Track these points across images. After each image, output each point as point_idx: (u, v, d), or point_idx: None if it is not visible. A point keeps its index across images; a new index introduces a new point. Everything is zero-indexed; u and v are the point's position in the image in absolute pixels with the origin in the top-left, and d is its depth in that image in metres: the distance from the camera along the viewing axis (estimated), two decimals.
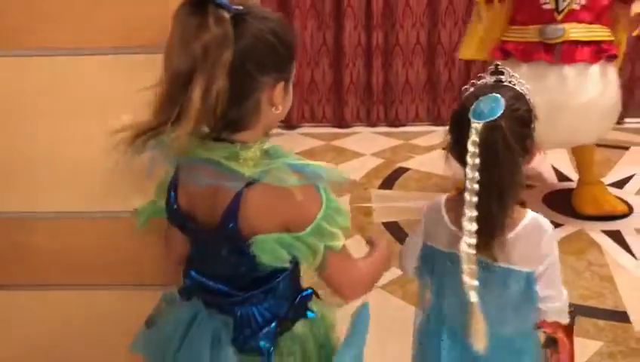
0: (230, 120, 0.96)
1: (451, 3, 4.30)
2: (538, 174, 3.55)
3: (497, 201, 1.11)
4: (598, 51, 2.67)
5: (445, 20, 4.35)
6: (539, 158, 1.24)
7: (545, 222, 1.20)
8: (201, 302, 1.10)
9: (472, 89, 1.19)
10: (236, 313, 1.07)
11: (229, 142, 0.98)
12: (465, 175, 1.11)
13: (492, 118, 1.09)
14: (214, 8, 0.90)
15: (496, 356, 1.17)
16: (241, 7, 0.94)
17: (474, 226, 1.09)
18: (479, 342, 1.10)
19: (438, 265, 1.26)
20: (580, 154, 3.07)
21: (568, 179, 3.40)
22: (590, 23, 2.67)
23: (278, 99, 1.00)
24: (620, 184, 3.36)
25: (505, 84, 1.17)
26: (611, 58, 2.70)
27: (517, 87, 1.17)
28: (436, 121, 4.48)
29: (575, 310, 1.30)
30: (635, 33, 2.62)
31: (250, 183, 0.97)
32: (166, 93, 0.92)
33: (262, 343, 1.06)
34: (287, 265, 1.00)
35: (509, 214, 1.13)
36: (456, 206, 1.18)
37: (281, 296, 1.09)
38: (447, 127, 1.20)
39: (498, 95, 1.12)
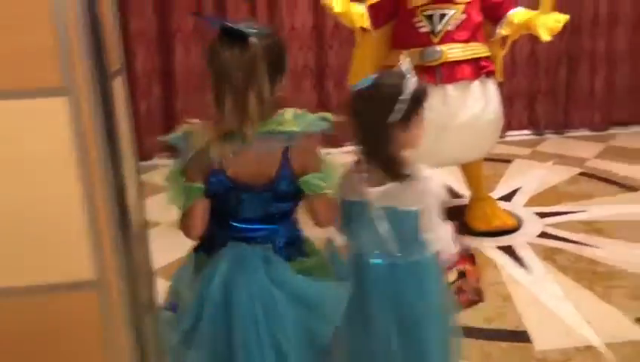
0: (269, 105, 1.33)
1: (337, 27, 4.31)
2: None
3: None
4: (477, 68, 2.75)
5: (332, 43, 4.34)
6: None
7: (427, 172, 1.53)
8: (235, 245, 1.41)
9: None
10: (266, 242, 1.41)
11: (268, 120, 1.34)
12: None
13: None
14: (249, 37, 1.29)
15: (407, 278, 1.52)
16: (253, 30, 1.31)
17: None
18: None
19: (354, 214, 1.53)
20: (468, 170, 3.13)
21: (461, 196, 3.46)
22: (466, 42, 2.73)
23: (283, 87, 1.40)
24: (508, 197, 3.47)
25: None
26: (490, 73, 2.78)
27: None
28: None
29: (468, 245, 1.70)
30: (502, 54, 2.71)
31: (292, 138, 1.35)
32: (232, 102, 1.29)
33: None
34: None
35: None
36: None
37: (292, 222, 1.47)
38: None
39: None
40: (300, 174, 1.36)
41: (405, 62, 1.49)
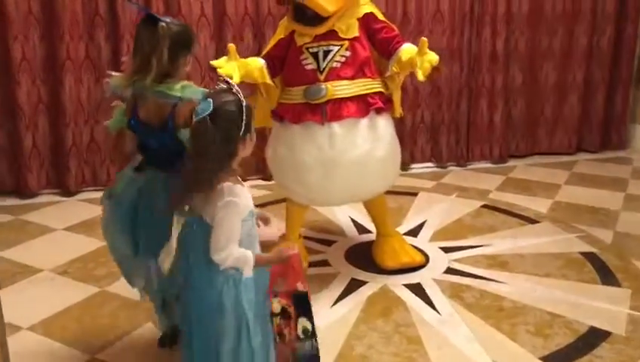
0: (167, 73, 2.00)
1: None
2: (338, 228, 3.51)
3: (197, 172, 1.67)
4: (365, 105, 2.67)
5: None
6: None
7: (230, 191, 1.64)
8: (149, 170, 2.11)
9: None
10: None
11: (165, 83, 2.00)
12: None
13: (202, 116, 1.61)
14: (160, 23, 1.94)
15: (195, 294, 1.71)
16: (168, 20, 1.99)
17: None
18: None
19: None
20: (370, 207, 3.06)
21: (368, 231, 3.39)
22: (352, 78, 2.66)
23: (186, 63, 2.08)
24: (415, 232, 3.44)
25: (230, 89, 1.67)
26: (380, 110, 2.71)
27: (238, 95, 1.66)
28: None
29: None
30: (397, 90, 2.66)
31: (179, 100, 1.97)
32: (140, 61, 1.96)
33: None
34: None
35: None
36: None
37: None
38: None
39: (211, 100, 1.63)
40: (180, 126, 1.95)
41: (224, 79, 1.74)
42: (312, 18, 2.61)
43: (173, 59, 1.98)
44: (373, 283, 2.84)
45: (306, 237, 3.30)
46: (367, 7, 2.77)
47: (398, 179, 4.28)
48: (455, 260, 3.08)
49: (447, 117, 4.63)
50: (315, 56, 2.66)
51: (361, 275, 2.92)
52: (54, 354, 2.33)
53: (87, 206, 3.86)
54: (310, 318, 1.72)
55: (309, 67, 2.66)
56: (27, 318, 2.54)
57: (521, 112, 4.85)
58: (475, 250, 3.21)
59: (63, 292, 2.79)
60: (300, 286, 1.71)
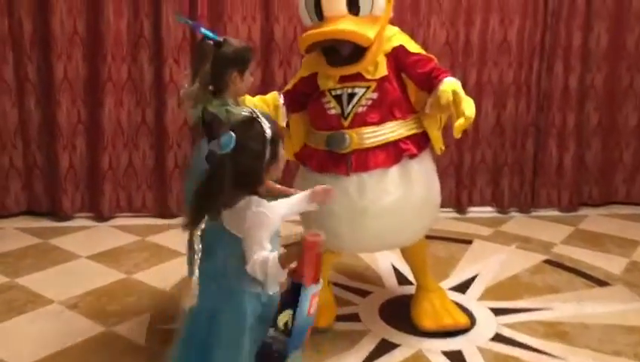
0: (219, 89, 2.09)
1: None
2: (376, 277, 3.16)
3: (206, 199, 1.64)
4: (396, 152, 2.35)
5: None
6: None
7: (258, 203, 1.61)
8: None
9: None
10: None
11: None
12: None
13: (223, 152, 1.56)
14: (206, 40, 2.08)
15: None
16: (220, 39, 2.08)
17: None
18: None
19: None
20: (408, 255, 2.71)
21: (410, 283, 3.02)
22: (380, 123, 2.34)
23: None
24: (462, 287, 3.04)
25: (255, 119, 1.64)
26: (413, 156, 2.38)
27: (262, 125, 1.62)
28: None
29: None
30: (456, 134, 2.21)
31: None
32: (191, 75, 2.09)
33: None
34: None
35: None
36: None
37: None
38: None
39: (232, 134, 1.56)
40: None
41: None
42: (350, 56, 2.31)
43: (217, 75, 2.03)
44: (407, 347, 2.47)
45: (338, 285, 2.98)
46: (396, 39, 2.43)
47: (453, 223, 3.99)
48: (506, 325, 2.67)
49: (511, 157, 4.20)
50: (338, 99, 2.38)
51: (395, 336, 2.56)
52: None
53: (117, 233, 3.69)
54: (295, 313, 1.55)
55: (332, 112, 2.39)
56: (21, 357, 2.34)
57: (595, 156, 4.35)
58: (530, 313, 2.78)
59: (66, 328, 2.58)
60: (304, 279, 1.55)
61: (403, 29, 3.81)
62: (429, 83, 2.33)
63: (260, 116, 1.64)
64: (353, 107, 2.35)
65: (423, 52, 2.47)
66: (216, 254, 1.73)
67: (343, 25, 2.25)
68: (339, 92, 2.38)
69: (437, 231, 3.55)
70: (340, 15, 2.28)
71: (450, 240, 3.67)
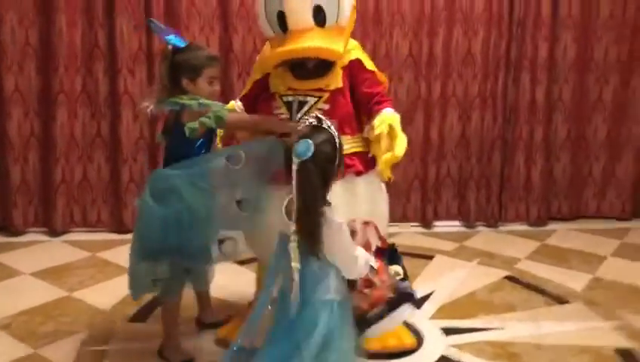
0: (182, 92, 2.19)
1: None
2: None
3: (307, 214, 1.66)
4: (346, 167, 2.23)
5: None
6: None
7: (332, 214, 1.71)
8: None
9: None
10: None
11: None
12: None
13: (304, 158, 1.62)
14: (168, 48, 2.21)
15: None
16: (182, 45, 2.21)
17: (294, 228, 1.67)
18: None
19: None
20: None
21: None
22: None
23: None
24: (416, 305, 2.93)
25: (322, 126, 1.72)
26: (359, 173, 2.29)
27: (329, 131, 1.72)
28: None
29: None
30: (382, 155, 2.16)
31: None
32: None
33: None
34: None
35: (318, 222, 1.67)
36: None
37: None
38: None
39: (309, 141, 1.63)
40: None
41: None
42: (316, 68, 2.24)
43: (171, 79, 2.18)
44: None
45: None
46: (354, 53, 2.37)
47: (417, 238, 3.89)
48: (454, 346, 2.56)
49: (477, 171, 4.12)
50: (288, 106, 2.29)
51: None
52: None
53: (68, 249, 3.58)
54: (401, 265, 2.05)
55: (282, 117, 2.30)
56: None
57: (564, 170, 4.27)
58: (482, 333, 2.67)
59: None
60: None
61: (365, 40, 3.83)
62: (368, 106, 2.27)
63: (326, 121, 1.75)
64: (302, 117, 2.26)
65: (377, 72, 2.40)
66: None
67: (312, 41, 2.16)
68: (290, 99, 2.30)
69: (399, 246, 3.44)
70: (306, 28, 2.19)
71: (412, 255, 3.55)
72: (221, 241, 2.27)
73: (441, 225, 4.17)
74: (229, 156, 2.16)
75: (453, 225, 4.19)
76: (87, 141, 3.80)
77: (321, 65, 2.24)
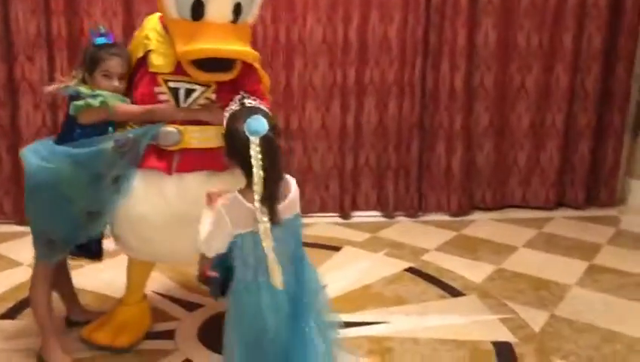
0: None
1: None
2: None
3: (277, 184, 1.72)
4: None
5: None
6: None
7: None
8: None
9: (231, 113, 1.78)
10: None
11: None
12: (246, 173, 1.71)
13: (264, 133, 1.67)
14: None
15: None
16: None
17: (264, 207, 1.67)
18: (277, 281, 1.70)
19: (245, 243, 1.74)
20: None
21: None
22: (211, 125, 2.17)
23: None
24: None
25: (252, 106, 1.77)
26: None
27: (262, 107, 1.78)
28: None
29: None
30: None
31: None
32: None
33: None
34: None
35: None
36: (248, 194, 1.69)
37: None
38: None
39: (261, 116, 1.70)
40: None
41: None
42: (222, 62, 2.12)
43: (88, 71, 2.21)
44: None
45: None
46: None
47: (330, 228, 3.81)
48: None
49: (396, 160, 4.04)
50: (175, 93, 2.18)
51: (204, 357, 2.36)
52: None
53: None
54: None
55: (163, 97, 2.18)
56: None
57: (487, 158, 4.21)
58: (364, 328, 2.60)
59: None
60: None
61: (278, 26, 3.71)
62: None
63: (251, 99, 1.80)
64: (190, 105, 2.17)
65: (260, 70, 2.32)
66: None
67: (233, 42, 2.08)
68: (176, 85, 2.17)
69: (308, 238, 3.35)
70: (222, 20, 2.09)
71: (319, 246, 3.48)
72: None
73: (361, 216, 4.09)
74: (116, 139, 2.10)
75: (372, 216, 4.11)
76: None
77: (229, 61, 2.14)
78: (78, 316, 2.57)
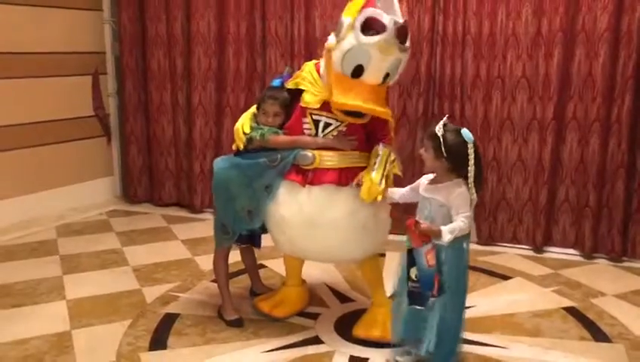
0: None
1: None
2: (318, 299, 3.29)
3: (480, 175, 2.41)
4: (348, 176, 2.69)
5: None
6: None
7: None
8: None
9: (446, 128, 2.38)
10: None
11: None
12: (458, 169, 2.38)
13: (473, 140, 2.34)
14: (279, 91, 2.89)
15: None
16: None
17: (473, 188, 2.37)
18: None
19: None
20: (363, 272, 2.99)
21: (351, 299, 3.27)
22: (344, 152, 2.73)
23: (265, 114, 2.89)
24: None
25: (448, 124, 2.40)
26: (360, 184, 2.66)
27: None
28: None
29: None
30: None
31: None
32: None
33: None
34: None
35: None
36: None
37: None
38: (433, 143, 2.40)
39: (466, 129, 2.38)
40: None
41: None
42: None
43: (257, 107, 2.91)
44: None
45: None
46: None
47: (515, 258, 3.90)
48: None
49: (593, 198, 3.86)
50: (316, 124, 2.78)
51: (363, 351, 2.72)
52: None
53: None
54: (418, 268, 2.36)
55: (307, 132, 2.80)
56: None
57: None
58: (479, 346, 2.72)
59: None
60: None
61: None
62: (373, 138, 2.76)
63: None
64: (325, 135, 2.78)
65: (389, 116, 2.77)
66: None
67: (377, 103, 2.62)
68: (319, 118, 2.79)
69: (484, 264, 3.56)
70: (373, 83, 2.65)
71: (489, 273, 3.61)
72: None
73: (555, 251, 4.01)
74: (270, 158, 2.80)
75: (568, 253, 4.00)
76: None
77: None
78: (259, 289, 3.32)
